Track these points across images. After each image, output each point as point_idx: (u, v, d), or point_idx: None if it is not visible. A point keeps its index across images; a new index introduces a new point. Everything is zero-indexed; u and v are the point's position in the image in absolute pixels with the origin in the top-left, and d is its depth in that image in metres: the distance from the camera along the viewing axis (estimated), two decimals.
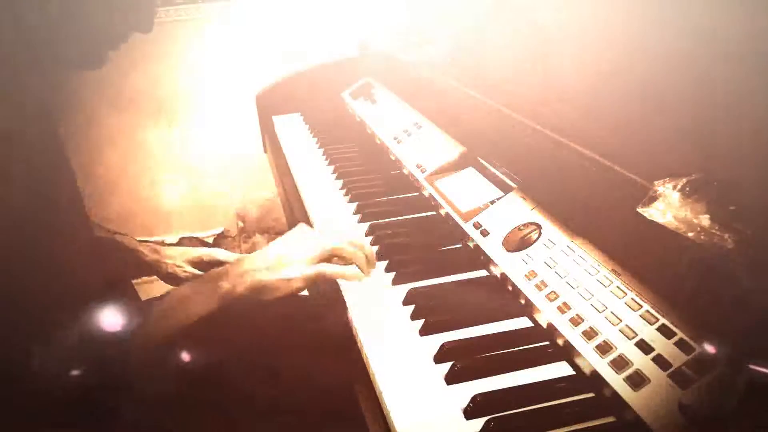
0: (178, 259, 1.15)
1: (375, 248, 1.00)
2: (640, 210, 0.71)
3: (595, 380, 0.65)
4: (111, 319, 0.76)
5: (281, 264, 0.83)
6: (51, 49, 0.76)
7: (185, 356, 0.85)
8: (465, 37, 1.46)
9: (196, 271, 1.16)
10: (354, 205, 1.18)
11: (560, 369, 0.70)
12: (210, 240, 2.45)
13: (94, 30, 0.78)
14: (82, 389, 0.70)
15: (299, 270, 0.83)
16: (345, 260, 0.88)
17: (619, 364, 0.63)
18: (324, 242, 0.87)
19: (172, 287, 1.16)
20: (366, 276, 0.89)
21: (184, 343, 0.84)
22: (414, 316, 0.81)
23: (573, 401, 0.65)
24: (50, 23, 0.74)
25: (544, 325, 0.76)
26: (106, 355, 0.73)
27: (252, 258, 0.85)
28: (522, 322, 0.79)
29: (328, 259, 0.87)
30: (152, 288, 1.16)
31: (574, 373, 0.69)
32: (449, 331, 0.78)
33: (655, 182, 0.72)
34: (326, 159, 1.47)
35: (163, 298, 0.83)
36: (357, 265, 0.88)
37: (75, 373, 0.70)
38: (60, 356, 0.70)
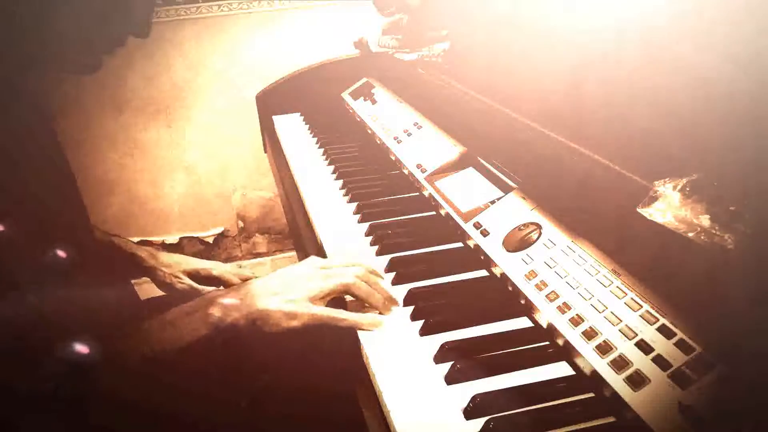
0: (175, 269, 1.15)
1: (376, 247, 1.01)
2: (640, 210, 0.71)
3: (595, 380, 0.65)
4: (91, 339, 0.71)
5: (285, 295, 0.76)
6: (47, 52, 0.75)
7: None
8: (465, 37, 1.46)
9: (193, 283, 1.15)
10: (354, 205, 1.18)
11: (560, 369, 0.70)
12: (210, 240, 2.45)
13: (90, 34, 0.76)
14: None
15: (305, 306, 0.76)
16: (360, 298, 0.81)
17: (619, 364, 0.63)
18: (336, 277, 0.79)
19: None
20: (386, 314, 0.80)
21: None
22: (414, 317, 0.81)
23: (573, 401, 0.65)
24: (46, 27, 0.73)
25: (544, 325, 0.75)
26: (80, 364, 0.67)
27: (252, 284, 0.79)
28: (522, 322, 0.79)
29: (340, 295, 0.80)
30: (152, 288, 1.16)
31: (574, 373, 0.69)
32: (449, 331, 0.78)
33: (655, 182, 0.72)
34: (326, 159, 1.47)
35: (154, 318, 0.76)
36: (373, 306, 0.81)
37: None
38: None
